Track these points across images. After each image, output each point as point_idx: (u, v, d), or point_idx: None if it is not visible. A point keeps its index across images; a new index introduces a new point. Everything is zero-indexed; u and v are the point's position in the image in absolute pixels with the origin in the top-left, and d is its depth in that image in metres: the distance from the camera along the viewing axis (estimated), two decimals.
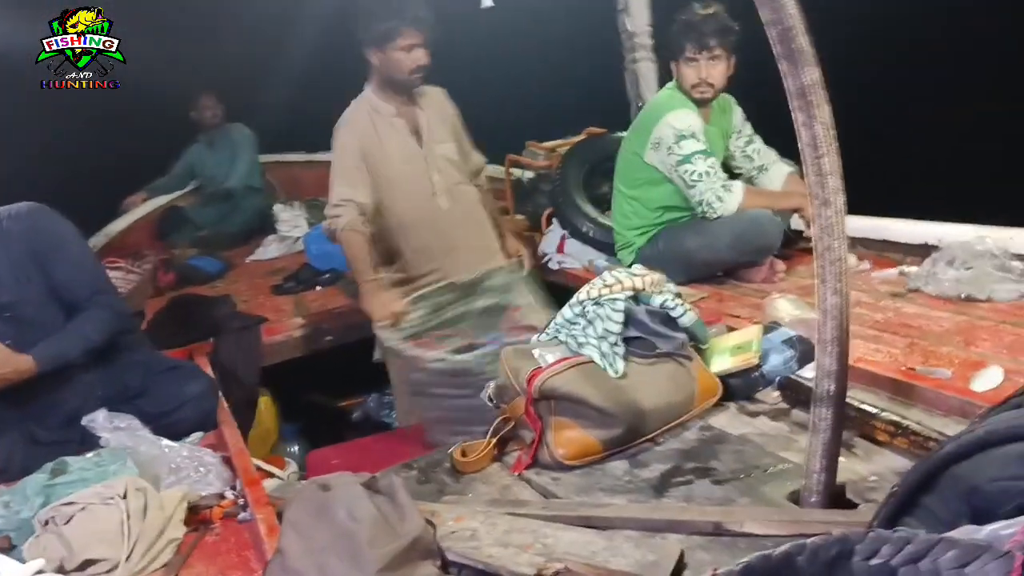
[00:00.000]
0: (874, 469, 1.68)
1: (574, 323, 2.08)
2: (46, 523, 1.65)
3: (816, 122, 1.29)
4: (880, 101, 4.69)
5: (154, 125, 5.16)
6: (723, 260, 2.98)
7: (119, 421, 2.09)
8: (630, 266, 2.51)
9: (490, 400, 2.08)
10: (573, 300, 2.14)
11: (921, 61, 4.48)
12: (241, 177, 5.11)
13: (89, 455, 1.91)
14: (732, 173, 3.17)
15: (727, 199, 2.88)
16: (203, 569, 1.65)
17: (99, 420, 2.08)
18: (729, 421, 2.01)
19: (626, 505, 1.68)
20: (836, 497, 1.52)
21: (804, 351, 2.10)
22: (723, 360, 2.14)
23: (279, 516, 1.64)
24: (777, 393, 2.08)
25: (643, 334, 2.05)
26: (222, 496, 1.86)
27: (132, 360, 2.36)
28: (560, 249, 3.66)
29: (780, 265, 3.02)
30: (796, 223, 3.11)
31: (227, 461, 2.00)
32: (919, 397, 1.91)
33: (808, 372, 1.98)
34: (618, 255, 3.25)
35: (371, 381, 3.35)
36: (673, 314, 2.10)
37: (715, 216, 2.89)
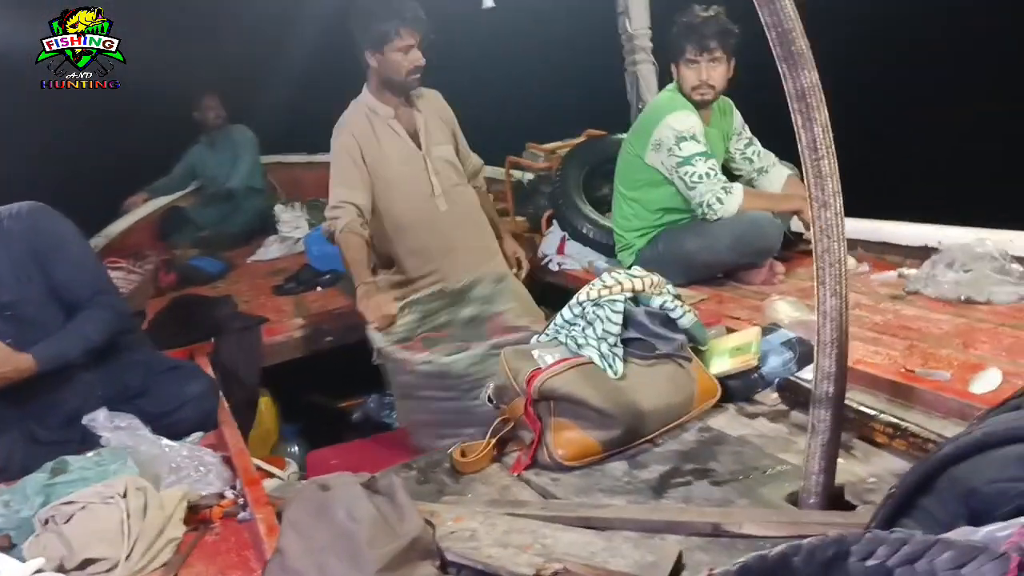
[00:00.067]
0: (873, 471, 1.68)
1: (574, 324, 2.09)
2: (46, 522, 1.65)
3: (815, 124, 1.30)
4: (880, 101, 4.70)
5: (155, 125, 5.17)
6: (723, 262, 2.98)
7: (119, 420, 2.09)
8: (630, 267, 2.51)
9: (490, 400, 2.08)
10: (573, 301, 2.15)
11: (921, 61, 4.49)
12: (242, 178, 5.12)
13: (89, 454, 1.92)
14: (732, 175, 3.17)
15: (727, 201, 2.88)
16: (203, 568, 1.65)
17: (99, 419, 2.08)
18: (728, 422, 2.02)
19: (625, 506, 1.68)
20: (835, 499, 1.52)
21: (803, 353, 2.10)
22: (722, 361, 2.14)
23: (279, 516, 1.64)
24: (776, 395, 2.09)
25: (642, 335, 2.05)
26: (222, 496, 1.86)
27: (133, 360, 2.36)
28: (560, 250, 3.66)
29: (779, 267, 3.02)
30: (796, 225, 3.11)
31: (227, 461, 2.01)
32: (918, 399, 1.91)
33: (807, 374, 1.98)
34: (618, 256, 3.25)
35: (371, 382, 3.34)
36: (672, 315, 2.10)
37: (715, 218, 2.89)
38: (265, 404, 3.17)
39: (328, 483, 1.56)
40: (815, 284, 1.36)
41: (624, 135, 3.35)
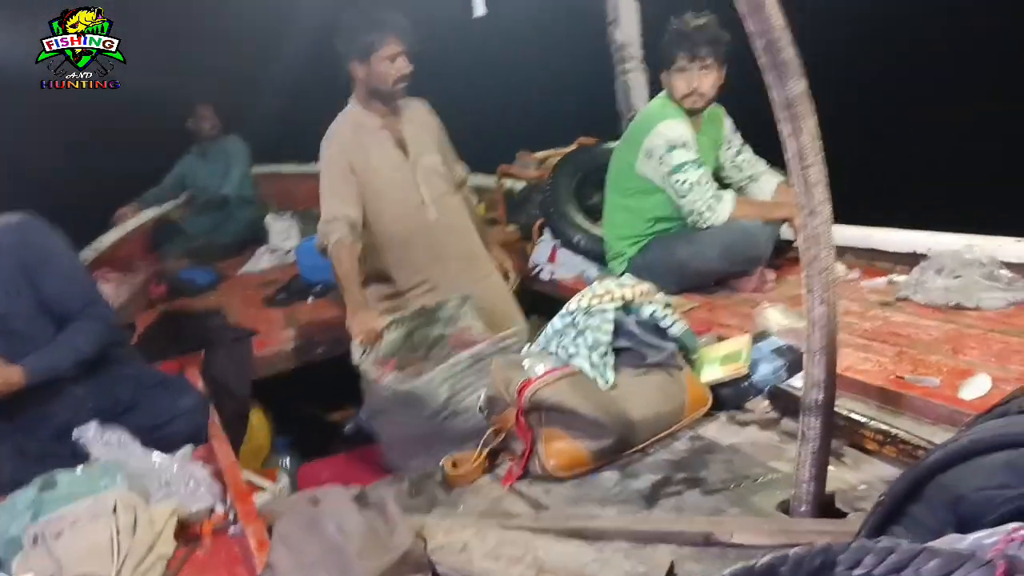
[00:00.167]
0: (863, 478, 1.68)
1: (564, 334, 2.09)
2: (35, 539, 1.64)
3: (802, 133, 1.30)
4: (880, 101, 4.71)
5: (145, 136, 5.15)
6: (714, 270, 2.99)
7: (109, 435, 2.08)
8: (621, 276, 2.52)
9: (481, 411, 2.08)
10: (563, 311, 2.15)
11: (921, 61, 4.50)
12: (234, 188, 5.11)
13: (79, 469, 1.91)
14: (722, 183, 3.18)
15: (718, 209, 2.89)
16: None
17: (90, 433, 2.07)
18: (719, 431, 2.02)
19: (616, 517, 1.68)
20: (825, 506, 1.52)
21: (793, 360, 2.10)
22: (713, 370, 2.15)
23: (269, 530, 1.64)
24: (767, 402, 2.09)
25: (633, 344, 2.05)
26: (212, 510, 1.85)
27: (123, 373, 2.35)
28: (552, 259, 3.66)
29: (770, 275, 3.03)
30: (786, 233, 3.12)
31: (218, 475, 2.00)
32: (908, 406, 1.91)
33: (797, 381, 1.99)
34: (609, 265, 3.25)
35: (363, 394, 3.34)
36: (662, 324, 2.11)
37: (706, 226, 2.90)
38: (256, 417, 3.16)
39: (318, 497, 1.56)
40: (804, 292, 1.37)
41: (615, 143, 3.35)
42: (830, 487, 1.53)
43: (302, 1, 4.99)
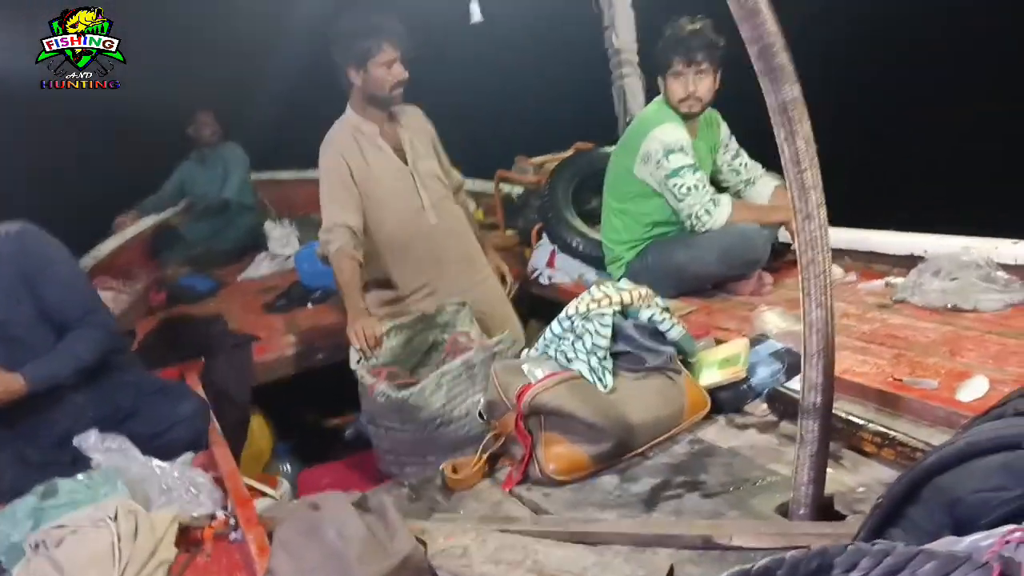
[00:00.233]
0: (862, 480, 1.69)
1: (563, 338, 2.10)
2: (36, 546, 1.64)
3: (797, 137, 1.31)
4: (880, 101, 4.72)
5: (144, 144, 5.17)
6: (712, 273, 2.99)
7: (110, 442, 2.09)
8: (619, 280, 2.52)
9: (481, 416, 2.09)
10: (562, 315, 2.15)
11: (921, 61, 4.50)
12: (233, 194, 5.12)
13: (80, 477, 1.91)
14: (720, 187, 3.19)
15: (715, 213, 2.90)
16: None
17: (90, 441, 2.08)
18: (718, 434, 2.03)
19: (616, 520, 1.68)
20: (824, 509, 1.52)
21: (792, 363, 2.11)
22: (711, 373, 2.15)
23: (270, 536, 1.64)
24: (765, 405, 2.09)
25: (631, 349, 2.06)
26: (213, 516, 1.85)
27: (123, 380, 2.36)
28: (550, 264, 3.67)
29: (768, 278, 3.04)
30: (784, 236, 3.13)
31: (218, 481, 2.00)
32: (906, 408, 1.92)
33: (796, 384, 1.99)
34: (608, 269, 3.26)
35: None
36: (661, 328, 2.12)
37: (703, 230, 2.91)
38: (257, 423, 3.16)
39: (318, 502, 1.56)
40: (800, 295, 1.37)
41: (612, 148, 3.36)
42: (829, 490, 1.53)
43: (298, 8, 5.01)
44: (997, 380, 1.93)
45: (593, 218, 3.61)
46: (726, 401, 2.12)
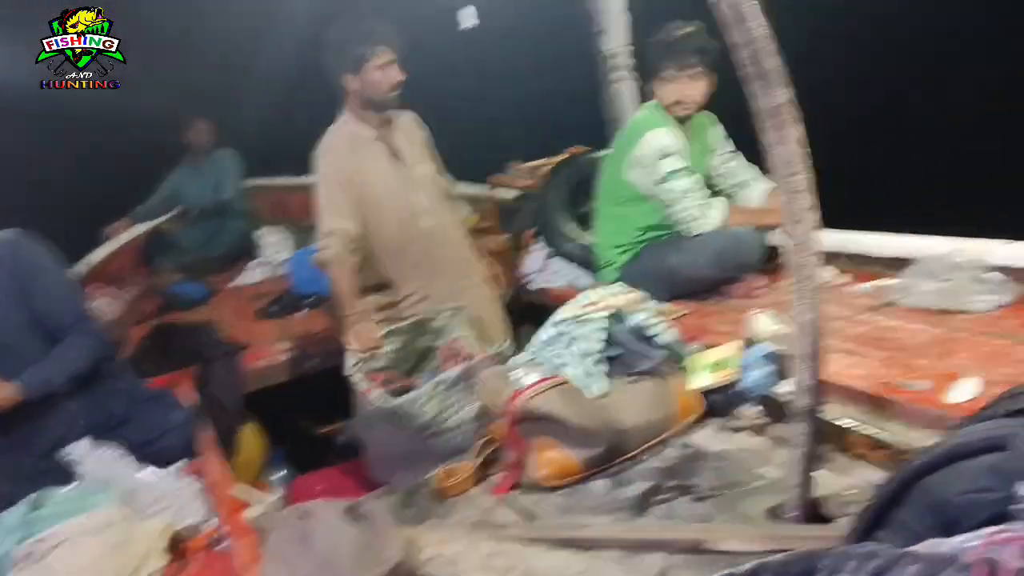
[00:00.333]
0: (852, 483, 1.69)
1: (555, 343, 2.09)
2: (27, 557, 1.64)
3: (788, 141, 1.31)
4: (880, 101, 4.72)
5: (138, 151, 5.15)
6: (705, 277, 2.99)
7: (101, 450, 2.08)
8: (612, 284, 2.53)
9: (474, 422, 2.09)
10: (554, 319, 2.15)
11: (914, 64, 4.51)
12: (227, 198, 5.11)
13: (70, 487, 1.90)
14: (713, 190, 3.19)
15: (709, 216, 2.90)
16: None
17: (81, 450, 2.07)
18: (709, 438, 2.03)
19: (607, 525, 1.68)
20: (815, 512, 1.53)
21: (783, 366, 2.11)
22: (703, 377, 2.15)
23: (261, 544, 1.63)
24: (757, 409, 2.09)
25: (623, 353, 2.06)
26: (204, 525, 1.85)
27: (115, 388, 2.35)
28: (544, 268, 3.67)
29: (760, 281, 3.04)
30: (776, 239, 3.13)
31: (210, 489, 1.99)
32: (897, 410, 1.92)
33: (787, 387, 1.99)
34: (601, 273, 3.26)
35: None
36: (652, 332, 2.11)
37: (696, 233, 2.91)
38: (249, 430, 3.15)
39: (310, 511, 1.55)
40: (791, 298, 1.38)
41: (606, 152, 3.36)
42: (820, 492, 1.53)
43: (292, 14, 5.00)
44: (988, 381, 1.93)
45: (586, 223, 3.61)
46: (718, 404, 2.12)
